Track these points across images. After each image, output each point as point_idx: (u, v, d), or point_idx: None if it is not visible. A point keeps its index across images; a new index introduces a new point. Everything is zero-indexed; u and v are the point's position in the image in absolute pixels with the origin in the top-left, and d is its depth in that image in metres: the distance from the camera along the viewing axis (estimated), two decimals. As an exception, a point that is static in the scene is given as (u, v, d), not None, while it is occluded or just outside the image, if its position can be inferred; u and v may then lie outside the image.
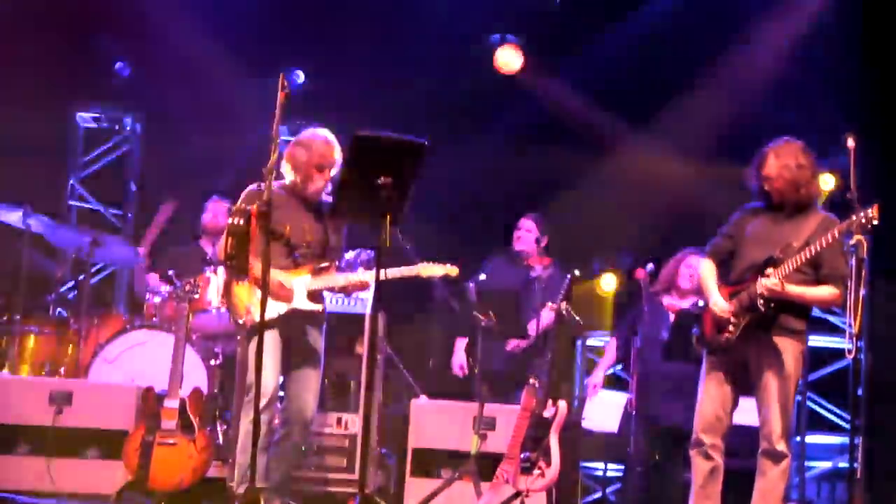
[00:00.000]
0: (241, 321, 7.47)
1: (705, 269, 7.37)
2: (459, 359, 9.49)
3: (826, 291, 6.99)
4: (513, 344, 9.22)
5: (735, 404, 7.24)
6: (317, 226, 7.56)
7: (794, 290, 6.92)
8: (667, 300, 9.02)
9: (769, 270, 6.93)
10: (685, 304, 8.92)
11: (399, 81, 11.28)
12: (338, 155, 7.46)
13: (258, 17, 11.25)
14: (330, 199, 7.53)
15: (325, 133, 7.56)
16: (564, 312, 8.15)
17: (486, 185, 11.26)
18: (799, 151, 7.13)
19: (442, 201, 10.28)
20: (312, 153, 7.46)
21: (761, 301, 6.93)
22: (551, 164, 11.34)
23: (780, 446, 6.98)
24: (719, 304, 7.15)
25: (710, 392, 7.21)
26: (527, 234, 9.56)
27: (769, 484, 7.01)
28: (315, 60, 11.47)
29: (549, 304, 8.43)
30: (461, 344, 9.54)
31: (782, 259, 6.92)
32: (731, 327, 7.08)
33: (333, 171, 7.47)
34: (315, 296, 7.50)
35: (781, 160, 7.09)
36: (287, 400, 7.60)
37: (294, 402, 7.55)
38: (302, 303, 7.44)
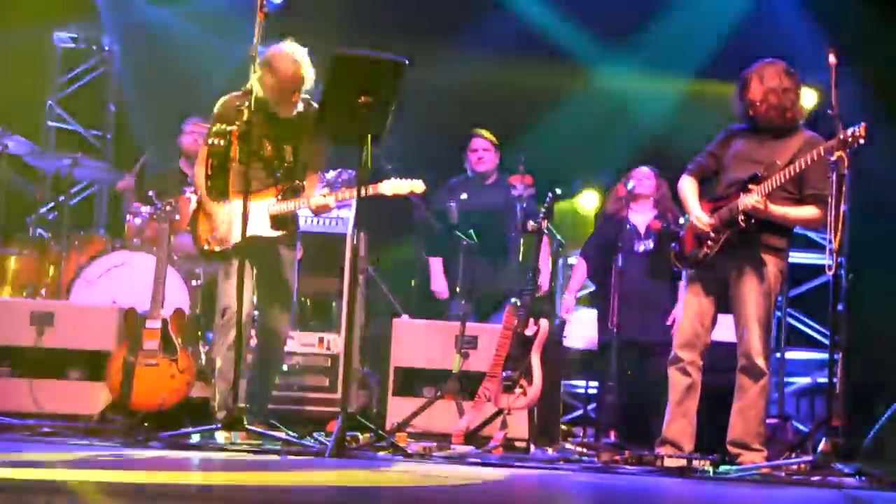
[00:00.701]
0: (201, 249, 7.44)
1: (686, 186, 7.37)
2: (439, 283, 9.49)
3: (809, 212, 7.00)
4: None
5: (714, 321, 7.27)
6: (290, 145, 7.49)
7: (777, 210, 6.93)
8: (636, 216, 9.04)
9: (752, 187, 6.94)
10: (650, 214, 8.98)
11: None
12: (307, 71, 7.32)
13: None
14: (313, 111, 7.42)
15: (290, 51, 7.34)
16: (545, 231, 8.15)
17: (465, 104, 11.19)
18: (782, 73, 7.10)
19: (422, 121, 10.22)
20: (279, 75, 7.30)
21: (742, 216, 6.94)
22: (532, 81, 11.29)
23: (760, 362, 7.01)
24: (700, 217, 7.16)
25: (689, 308, 7.24)
26: (485, 153, 9.53)
27: (748, 401, 7.05)
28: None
29: (530, 223, 8.42)
30: (437, 265, 9.53)
31: (766, 176, 6.93)
32: (710, 242, 7.10)
33: (306, 87, 7.36)
34: (280, 220, 7.42)
35: (766, 84, 7.06)
36: (260, 324, 7.61)
37: (267, 326, 7.56)
38: (262, 229, 7.37)
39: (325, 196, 7.40)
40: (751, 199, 6.90)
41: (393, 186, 7.38)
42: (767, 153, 7.05)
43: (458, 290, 9.01)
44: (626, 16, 11.24)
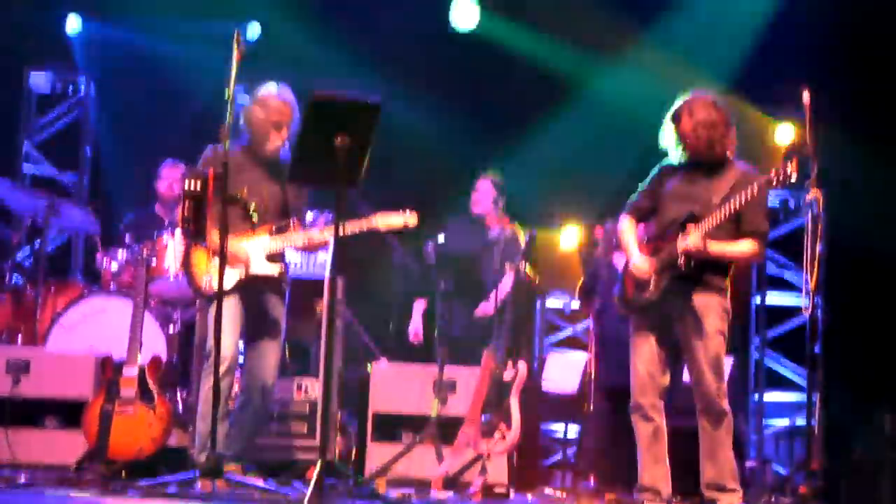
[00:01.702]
0: (200, 289, 7.44)
1: (625, 228, 7.32)
2: (416, 324, 9.49)
3: (746, 247, 6.95)
4: (481, 310, 9.20)
5: (667, 362, 7.20)
6: (276, 186, 7.51)
7: (715, 247, 6.89)
8: (620, 258, 9.04)
9: (690, 227, 6.92)
10: None
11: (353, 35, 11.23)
12: (295, 112, 7.42)
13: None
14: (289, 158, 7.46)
15: (281, 90, 7.51)
16: (522, 274, 8.14)
17: (442, 140, 11.19)
18: (711, 107, 7.05)
19: (399, 160, 10.22)
20: (270, 111, 7.42)
21: (682, 259, 6.92)
22: (510, 109, 11.29)
23: (721, 403, 6.95)
24: (639, 262, 7.13)
25: (640, 353, 7.17)
26: (484, 196, 9.52)
27: (715, 443, 6.96)
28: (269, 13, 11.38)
29: (508, 265, 8.41)
30: (419, 307, 9.53)
31: (702, 215, 6.90)
32: (651, 286, 7.06)
33: (292, 128, 7.42)
34: (274, 258, 7.47)
35: (695, 117, 7.03)
36: (247, 367, 7.59)
37: (254, 370, 7.54)
38: (259, 267, 7.40)
39: (321, 231, 7.43)
40: (690, 240, 6.87)
41: (385, 219, 7.39)
42: (703, 190, 7.00)
43: (435, 333, 8.99)
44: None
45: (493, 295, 9.02)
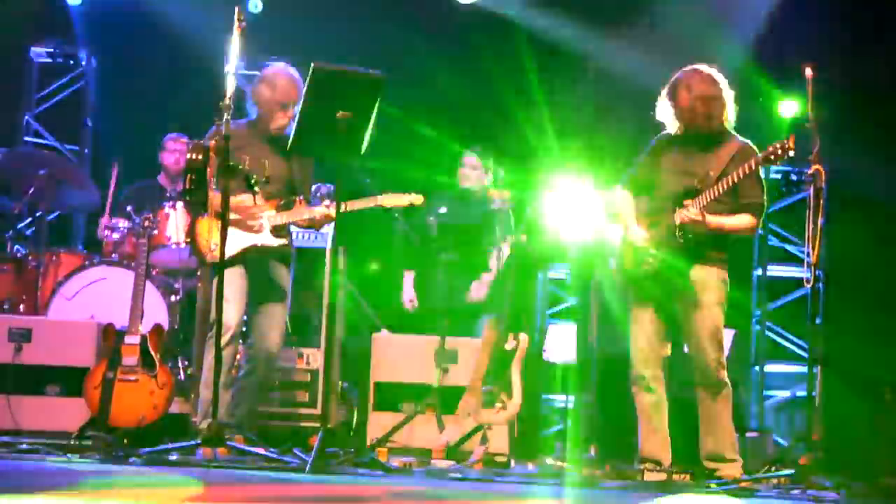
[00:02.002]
0: (205, 257, 7.46)
1: (621, 200, 7.33)
2: (408, 293, 9.49)
3: (745, 220, 6.98)
4: (474, 292, 9.20)
5: (667, 333, 7.22)
6: (280, 161, 7.55)
7: (713, 220, 6.91)
8: (613, 231, 9.03)
9: (688, 201, 6.92)
10: None
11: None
12: (301, 91, 7.44)
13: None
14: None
15: (288, 70, 7.60)
16: (524, 245, 8.15)
17: (443, 110, 11.16)
18: (709, 80, 7.06)
19: (399, 132, 10.20)
20: (276, 90, 7.53)
21: (679, 232, 6.93)
22: (510, 81, 11.26)
23: (719, 375, 6.97)
24: (636, 235, 7.14)
25: (640, 324, 7.19)
26: (472, 171, 9.52)
27: (713, 415, 6.99)
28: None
29: (508, 237, 8.42)
30: (409, 277, 9.54)
31: (700, 189, 6.91)
32: (650, 258, 7.07)
33: (298, 106, 7.44)
34: (280, 230, 7.51)
35: (693, 91, 7.03)
36: (252, 336, 7.61)
37: (259, 339, 7.56)
38: (266, 238, 7.44)
39: (324, 206, 7.47)
40: (688, 214, 6.88)
41: (392, 199, 7.45)
42: (700, 164, 7.02)
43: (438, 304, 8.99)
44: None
45: (484, 276, 9.06)
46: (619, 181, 7.38)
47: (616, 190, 7.38)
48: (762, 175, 6.98)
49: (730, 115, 7.09)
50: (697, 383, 7.04)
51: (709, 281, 7.01)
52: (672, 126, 7.16)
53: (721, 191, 6.85)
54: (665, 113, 7.15)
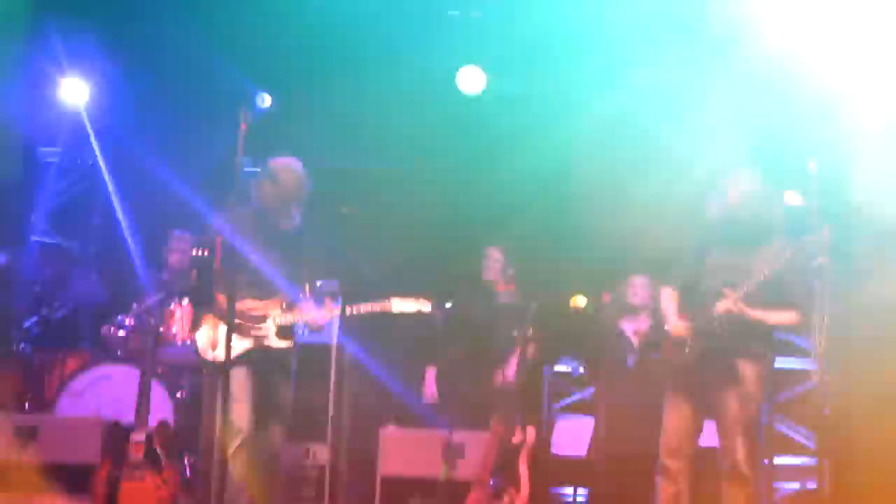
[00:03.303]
0: (207, 357, 7.44)
1: (666, 296, 7.39)
2: (430, 388, 9.48)
3: (786, 316, 7.00)
4: (501, 376, 9.19)
5: (699, 428, 7.23)
6: (287, 255, 7.54)
7: (754, 312, 6.94)
8: (626, 325, 9.05)
9: (727, 290, 6.95)
10: (644, 324, 8.96)
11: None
12: (306, 186, 7.48)
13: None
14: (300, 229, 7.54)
15: (295, 166, 7.57)
16: (528, 340, 8.17)
17: (448, 206, 11.21)
18: (758, 181, 7.16)
19: (404, 227, 10.25)
20: (284, 188, 7.46)
21: (717, 322, 6.95)
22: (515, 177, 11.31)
23: (744, 470, 6.95)
24: (675, 324, 7.17)
25: (674, 416, 7.20)
26: (494, 263, 9.55)
27: (733, 506, 6.99)
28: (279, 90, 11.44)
29: (515, 330, 8.43)
30: (431, 373, 9.53)
31: (741, 283, 6.95)
32: (687, 348, 7.09)
33: (303, 200, 7.49)
34: (285, 331, 7.46)
35: (742, 189, 7.11)
36: (253, 444, 7.55)
37: (260, 448, 7.51)
38: (271, 340, 7.40)
39: (330, 307, 7.46)
40: (726, 303, 6.90)
41: (400, 304, 7.44)
42: (744, 262, 7.07)
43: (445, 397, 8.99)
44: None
45: (512, 361, 9.07)
46: (667, 280, 7.44)
47: (662, 287, 7.43)
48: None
49: (776, 217, 7.16)
50: (723, 475, 7.02)
51: (748, 374, 7.01)
52: (719, 224, 7.23)
53: (758, 280, 6.86)
54: (712, 213, 7.23)
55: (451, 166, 11.29)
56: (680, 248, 7.50)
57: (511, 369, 9.10)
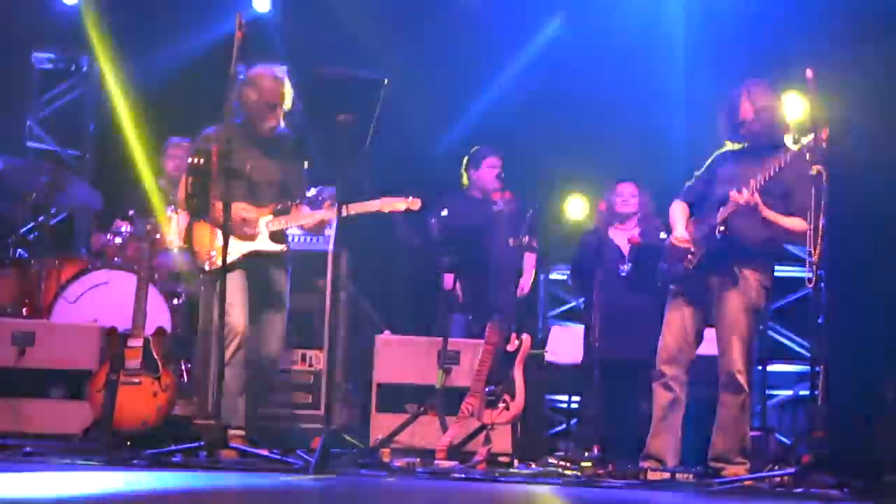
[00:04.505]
0: (204, 265, 7.47)
1: (675, 209, 7.41)
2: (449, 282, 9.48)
3: (797, 223, 6.99)
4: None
5: (699, 337, 7.27)
6: (274, 164, 7.56)
7: (768, 212, 6.93)
8: (615, 233, 9.06)
9: (733, 194, 6.94)
10: (634, 231, 8.96)
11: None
12: (288, 90, 7.46)
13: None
14: (293, 136, 7.54)
15: (273, 70, 7.56)
16: (528, 248, 8.17)
17: (446, 114, 11.18)
18: (770, 91, 7.14)
19: (401, 135, 10.21)
20: (262, 92, 7.48)
21: (720, 228, 6.96)
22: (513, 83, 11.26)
23: (740, 379, 7.01)
24: (678, 233, 7.19)
25: (673, 324, 7.26)
26: (491, 170, 9.52)
27: (729, 418, 7.05)
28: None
29: (511, 239, 8.43)
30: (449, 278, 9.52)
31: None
32: (690, 256, 7.12)
33: (286, 106, 7.47)
34: (278, 236, 7.51)
35: (757, 102, 7.08)
36: (252, 343, 7.60)
37: (260, 345, 7.57)
38: (264, 244, 7.44)
39: (324, 210, 7.47)
40: (743, 196, 6.87)
41: (389, 203, 7.44)
42: (751, 173, 7.05)
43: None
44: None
45: (526, 276, 9.10)
46: (678, 194, 7.45)
47: (674, 202, 7.43)
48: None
49: (787, 127, 7.13)
50: (721, 384, 7.08)
51: (748, 283, 7.04)
52: (730, 138, 7.21)
53: (765, 179, 6.84)
54: (724, 125, 7.20)
55: (451, 73, 11.24)
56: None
57: (527, 282, 9.16)
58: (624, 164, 9.83)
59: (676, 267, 7.23)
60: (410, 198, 7.51)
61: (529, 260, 9.14)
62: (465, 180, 9.61)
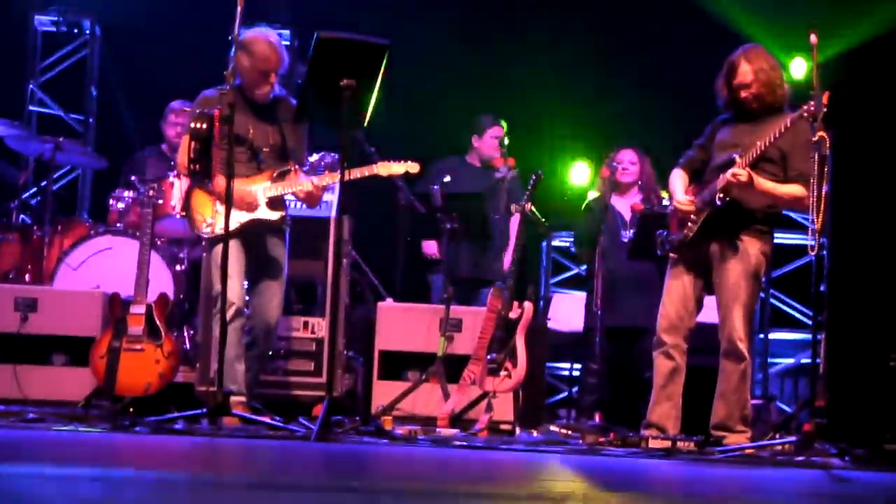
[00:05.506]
0: (201, 233, 7.46)
1: (675, 177, 7.38)
2: (430, 246, 9.47)
3: (795, 189, 6.96)
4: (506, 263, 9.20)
5: (699, 305, 7.27)
6: (271, 129, 7.53)
7: (762, 182, 6.92)
8: (618, 200, 9.05)
9: (735, 158, 6.93)
10: (635, 199, 8.96)
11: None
12: (282, 56, 7.42)
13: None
14: (293, 101, 7.51)
15: (266, 35, 7.48)
16: (529, 214, 8.16)
17: (446, 78, 11.15)
18: (767, 54, 7.12)
19: (405, 100, 10.19)
20: (255, 58, 7.40)
21: (720, 194, 6.94)
22: (517, 47, 11.22)
23: (741, 346, 7.00)
24: (679, 199, 7.18)
25: (673, 292, 7.24)
26: (494, 138, 9.52)
27: (730, 386, 7.05)
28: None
29: (514, 206, 8.42)
30: (432, 244, 9.53)
31: (744, 154, 6.93)
32: (690, 223, 7.11)
33: (280, 70, 7.44)
34: (275, 202, 7.48)
35: (755, 64, 7.05)
36: (251, 310, 7.61)
37: (258, 313, 7.58)
38: (262, 212, 7.43)
39: (322, 178, 7.44)
40: (735, 171, 6.87)
41: (387, 167, 7.42)
42: (749, 137, 7.03)
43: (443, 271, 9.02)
44: None
45: (511, 244, 9.07)
46: (678, 163, 7.43)
47: (673, 170, 7.42)
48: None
49: (786, 91, 7.10)
50: (722, 352, 7.08)
51: (749, 250, 7.02)
52: (728, 105, 7.19)
53: (763, 148, 6.82)
54: (722, 91, 7.18)
55: (454, 37, 11.21)
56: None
57: (509, 257, 9.13)
58: (625, 131, 9.84)
59: (676, 234, 7.22)
60: (409, 161, 7.49)
61: (513, 229, 9.04)
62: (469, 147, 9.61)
